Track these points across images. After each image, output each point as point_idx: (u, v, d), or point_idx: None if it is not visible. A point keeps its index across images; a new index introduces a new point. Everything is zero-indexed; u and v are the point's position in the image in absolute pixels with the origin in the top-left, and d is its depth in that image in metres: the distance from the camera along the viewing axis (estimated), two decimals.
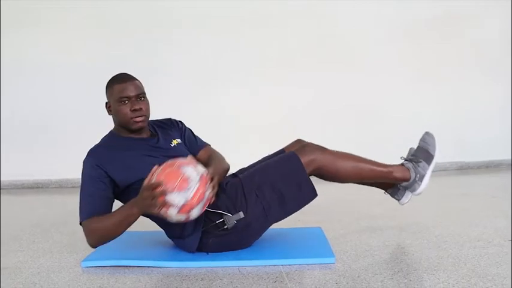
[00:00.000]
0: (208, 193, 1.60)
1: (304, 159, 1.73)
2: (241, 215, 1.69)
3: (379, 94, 4.14)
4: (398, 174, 1.91)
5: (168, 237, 1.87)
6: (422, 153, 1.95)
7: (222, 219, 1.70)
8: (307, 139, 1.95)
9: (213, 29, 4.07)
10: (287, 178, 1.73)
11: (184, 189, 1.52)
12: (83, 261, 1.76)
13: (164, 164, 1.59)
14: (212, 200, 1.63)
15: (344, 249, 1.81)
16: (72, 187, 4.09)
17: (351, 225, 2.21)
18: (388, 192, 2.06)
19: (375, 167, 1.88)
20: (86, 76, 3.96)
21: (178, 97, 4.03)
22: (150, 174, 1.56)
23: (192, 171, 1.57)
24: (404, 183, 1.95)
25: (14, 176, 4.14)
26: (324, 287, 1.44)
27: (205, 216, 1.69)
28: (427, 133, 2.00)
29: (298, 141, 1.96)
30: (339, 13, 4.10)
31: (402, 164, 1.95)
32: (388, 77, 4.13)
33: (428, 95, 4.16)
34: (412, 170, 1.92)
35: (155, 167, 1.58)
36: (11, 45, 4.08)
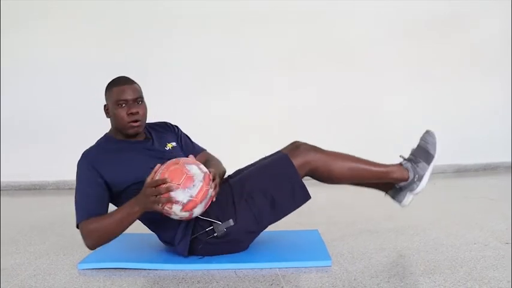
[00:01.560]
0: (211, 191, 1.60)
1: (297, 161, 1.72)
2: (230, 222, 1.68)
3: (378, 94, 4.14)
4: (396, 174, 1.88)
5: (161, 241, 1.86)
6: (421, 153, 1.90)
7: (212, 227, 1.68)
8: (308, 139, 1.90)
9: (213, 28, 4.07)
10: (279, 182, 1.71)
11: (189, 186, 1.53)
12: (79, 263, 1.76)
13: (168, 162, 1.60)
14: (214, 199, 1.63)
15: (341, 252, 1.81)
16: (70, 188, 4.09)
17: (347, 228, 2.20)
18: (388, 194, 2.02)
19: (371, 168, 1.85)
20: (86, 76, 3.97)
21: (178, 97, 4.03)
22: (153, 172, 1.57)
23: (196, 169, 1.58)
24: (402, 183, 1.91)
25: (11, 177, 4.14)
26: None
27: (195, 222, 1.69)
28: (427, 132, 1.95)
29: (295, 145, 1.90)
30: (339, 13, 4.09)
31: (401, 164, 1.90)
32: (387, 77, 4.13)
33: (428, 95, 4.16)
34: (411, 170, 1.88)
35: (157, 166, 1.58)
36: (11, 45, 4.09)
